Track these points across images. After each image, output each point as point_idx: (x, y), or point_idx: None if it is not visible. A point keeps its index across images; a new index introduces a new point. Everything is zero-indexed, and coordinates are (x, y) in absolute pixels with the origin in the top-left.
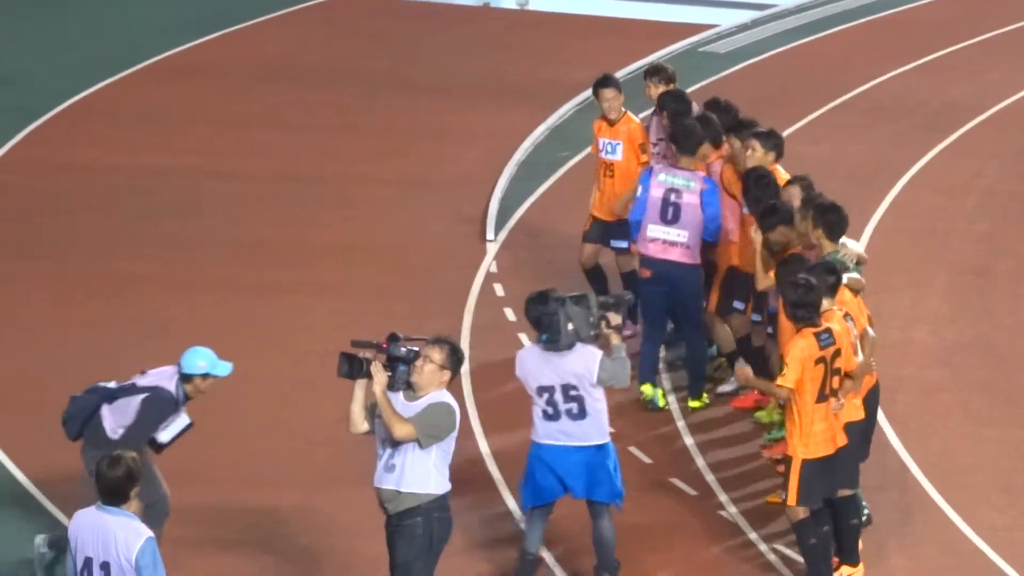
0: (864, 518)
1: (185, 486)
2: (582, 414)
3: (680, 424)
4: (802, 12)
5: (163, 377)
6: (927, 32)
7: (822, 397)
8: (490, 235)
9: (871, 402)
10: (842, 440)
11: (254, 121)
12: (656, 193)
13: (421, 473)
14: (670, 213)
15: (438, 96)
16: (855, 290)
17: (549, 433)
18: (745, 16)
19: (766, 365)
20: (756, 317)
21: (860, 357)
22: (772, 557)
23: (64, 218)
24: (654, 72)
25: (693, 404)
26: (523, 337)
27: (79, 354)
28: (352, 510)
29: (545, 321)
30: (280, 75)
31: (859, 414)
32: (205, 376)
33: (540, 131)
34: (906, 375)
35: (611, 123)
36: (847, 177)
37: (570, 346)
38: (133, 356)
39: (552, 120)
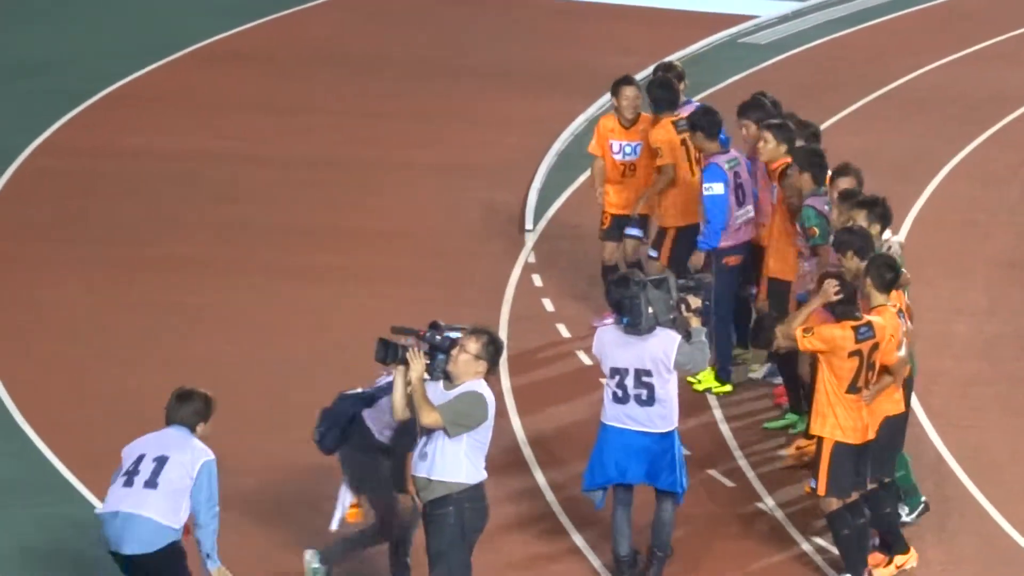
0: (922, 506)
1: (225, 472)
2: (650, 400)
3: (718, 414)
4: (843, 3)
5: None
6: (968, 23)
7: (853, 389)
8: (528, 225)
9: (905, 393)
10: (871, 434)
11: (296, 107)
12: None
13: (452, 462)
14: (740, 194)
15: (478, 83)
16: (901, 285)
17: (616, 415)
18: (786, 7)
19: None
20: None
21: (903, 352)
22: (806, 546)
23: (105, 202)
24: (667, 69)
25: (720, 389)
26: (561, 328)
27: (119, 338)
28: None
29: (627, 304)
30: (322, 61)
31: (900, 407)
32: None
33: (579, 121)
34: (944, 367)
35: (626, 125)
36: (887, 168)
37: (650, 329)
38: (173, 340)
39: (592, 110)
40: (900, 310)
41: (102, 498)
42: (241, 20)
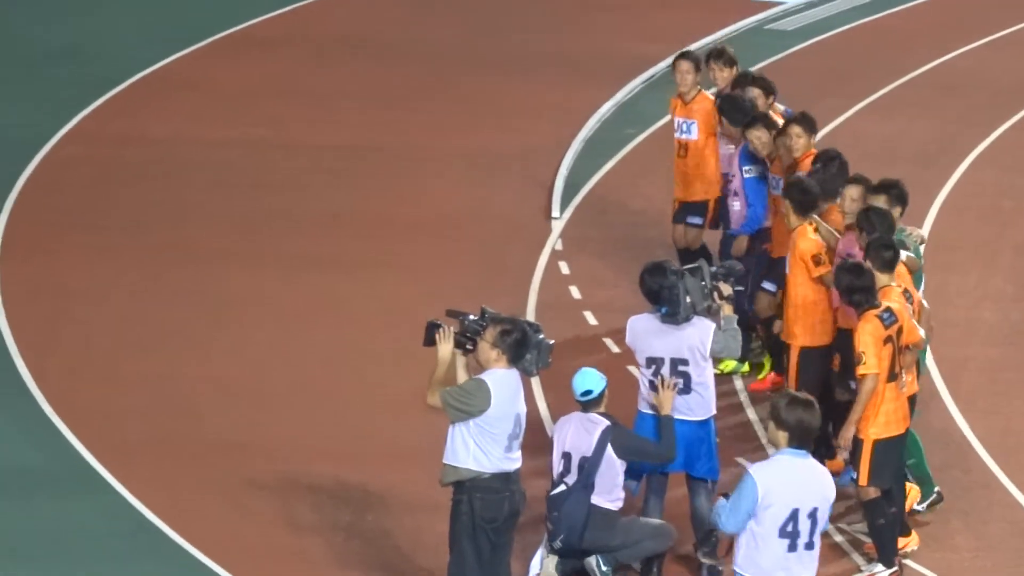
0: (934, 496)
1: (252, 460)
2: (687, 389)
3: (744, 398)
4: None
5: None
6: (996, 8)
7: (892, 376)
8: (556, 212)
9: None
10: (908, 420)
11: (326, 94)
12: None
13: (460, 447)
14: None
15: (507, 71)
16: (910, 269)
17: (653, 404)
18: None
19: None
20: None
21: (923, 331)
22: (839, 538)
23: (135, 190)
24: (717, 55)
25: (744, 368)
26: (588, 315)
27: (147, 327)
28: (421, 484)
29: (665, 295)
30: (352, 49)
31: (915, 386)
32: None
33: (606, 108)
34: (971, 354)
35: (685, 102)
36: (914, 155)
37: (687, 318)
38: (202, 329)
39: (619, 97)
40: (905, 289)
41: (130, 488)
42: (270, 7)
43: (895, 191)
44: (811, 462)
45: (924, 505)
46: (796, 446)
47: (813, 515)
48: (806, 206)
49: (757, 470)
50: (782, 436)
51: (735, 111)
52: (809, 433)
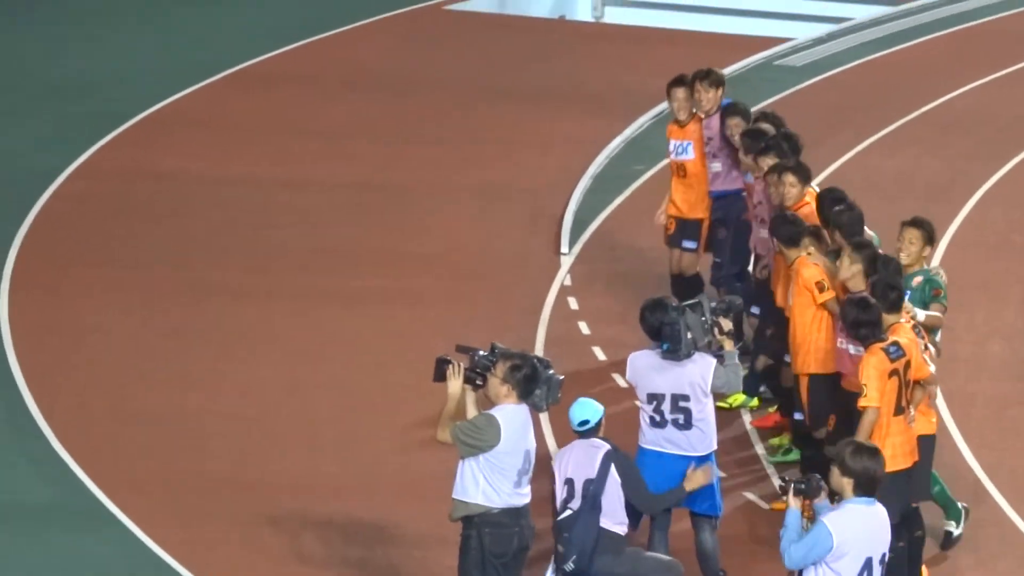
0: (964, 513)
1: (262, 495)
2: (688, 425)
3: (753, 436)
4: (877, 25)
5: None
6: (1004, 44)
7: (899, 410)
8: (564, 248)
9: None
10: (916, 454)
11: (335, 130)
12: None
13: (469, 482)
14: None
15: (515, 106)
16: (934, 327)
17: (654, 440)
18: (820, 29)
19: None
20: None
21: (933, 367)
22: None
23: (144, 226)
24: (703, 76)
25: (752, 403)
26: (596, 351)
27: (157, 362)
28: (430, 519)
29: (667, 332)
30: (360, 84)
31: (933, 427)
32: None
33: (615, 143)
34: (980, 389)
35: (681, 124)
36: (923, 190)
37: (689, 355)
38: (212, 364)
39: (627, 132)
40: (915, 325)
41: (140, 522)
42: (282, 43)
43: (928, 227)
44: (877, 508)
45: (961, 528)
46: (862, 494)
47: (883, 560)
48: (794, 237)
49: (832, 520)
50: (847, 484)
51: (754, 140)
52: (875, 481)
